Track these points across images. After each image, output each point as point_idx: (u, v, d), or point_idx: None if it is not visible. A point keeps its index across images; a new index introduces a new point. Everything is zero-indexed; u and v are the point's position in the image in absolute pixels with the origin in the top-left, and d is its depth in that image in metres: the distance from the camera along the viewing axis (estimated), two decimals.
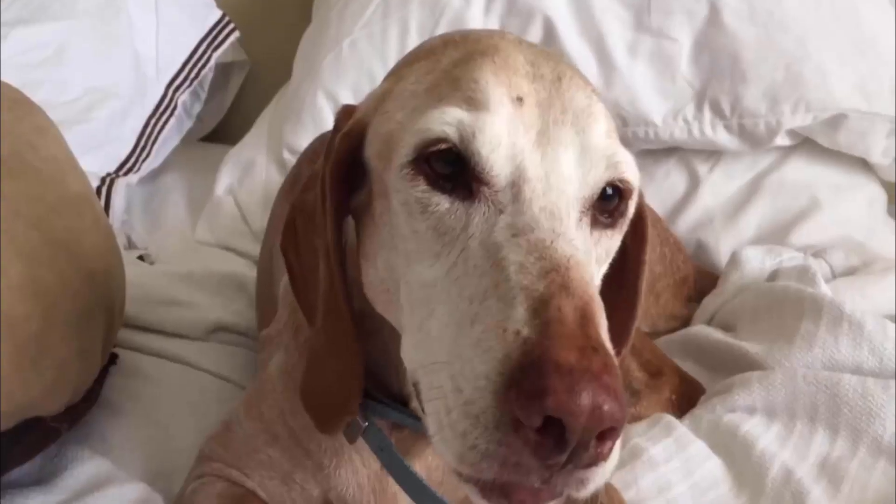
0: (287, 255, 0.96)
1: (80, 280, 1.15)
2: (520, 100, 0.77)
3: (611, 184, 0.81)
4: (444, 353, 0.70)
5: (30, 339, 1.04)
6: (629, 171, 0.81)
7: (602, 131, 0.79)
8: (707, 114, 2.02)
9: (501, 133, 0.75)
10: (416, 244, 0.78)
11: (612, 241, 0.85)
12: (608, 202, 0.82)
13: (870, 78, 1.97)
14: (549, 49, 0.88)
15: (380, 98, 0.86)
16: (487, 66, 0.78)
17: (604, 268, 0.86)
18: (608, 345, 0.66)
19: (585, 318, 0.65)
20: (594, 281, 0.76)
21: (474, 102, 0.76)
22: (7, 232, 1.05)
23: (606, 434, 0.62)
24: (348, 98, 2.13)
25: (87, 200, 1.27)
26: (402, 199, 0.78)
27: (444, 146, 0.76)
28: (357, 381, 0.89)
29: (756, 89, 1.98)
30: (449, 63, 0.82)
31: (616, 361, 0.64)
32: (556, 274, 0.67)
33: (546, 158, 0.76)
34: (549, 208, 0.73)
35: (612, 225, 0.83)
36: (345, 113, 0.91)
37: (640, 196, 0.89)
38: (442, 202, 0.76)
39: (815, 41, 1.97)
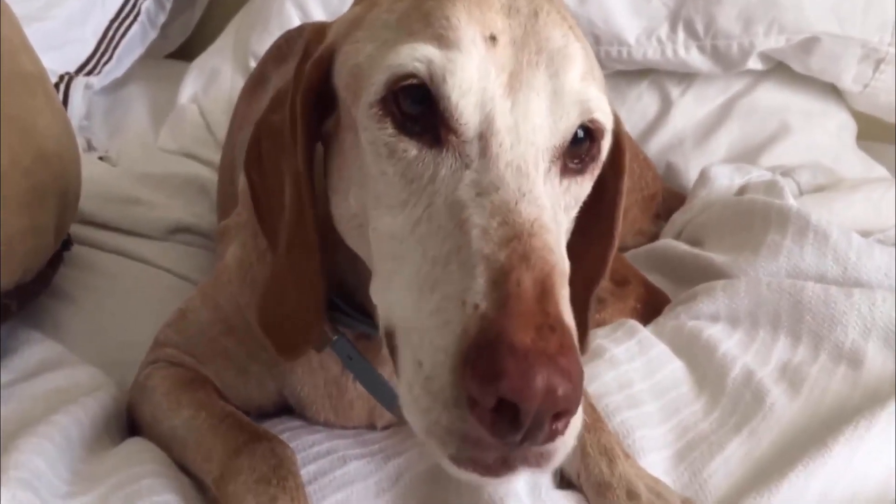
0: (250, 176, 0.93)
1: (30, 157, 1.12)
2: (493, 38, 0.73)
3: (581, 126, 0.78)
4: (408, 318, 0.70)
5: None
6: (600, 112, 0.78)
7: (577, 74, 0.76)
8: (681, 34, 2.01)
9: (472, 77, 0.72)
10: (385, 187, 0.75)
11: (581, 187, 0.82)
12: (579, 146, 0.79)
13: (844, 1, 1.95)
14: None
15: (351, 23, 0.82)
16: (460, 1, 0.75)
17: (573, 213, 0.84)
18: (568, 319, 0.65)
19: (545, 291, 0.64)
20: (560, 242, 0.74)
21: (445, 41, 0.72)
22: None
23: (561, 414, 0.61)
24: (316, 6, 2.09)
25: (40, 81, 1.23)
26: (370, 139, 0.75)
27: (414, 81, 0.73)
28: (318, 315, 0.88)
29: (730, 10, 1.96)
30: None
31: (575, 339, 0.63)
32: (517, 242, 0.66)
33: (517, 106, 0.73)
34: (517, 163, 0.71)
35: (581, 171, 0.81)
36: (315, 34, 0.86)
37: (618, 123, 0.87)
38: (410, 149, 0.74)
39: None
